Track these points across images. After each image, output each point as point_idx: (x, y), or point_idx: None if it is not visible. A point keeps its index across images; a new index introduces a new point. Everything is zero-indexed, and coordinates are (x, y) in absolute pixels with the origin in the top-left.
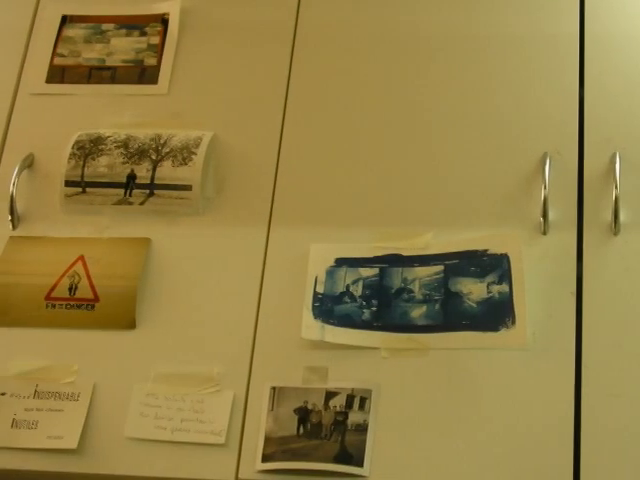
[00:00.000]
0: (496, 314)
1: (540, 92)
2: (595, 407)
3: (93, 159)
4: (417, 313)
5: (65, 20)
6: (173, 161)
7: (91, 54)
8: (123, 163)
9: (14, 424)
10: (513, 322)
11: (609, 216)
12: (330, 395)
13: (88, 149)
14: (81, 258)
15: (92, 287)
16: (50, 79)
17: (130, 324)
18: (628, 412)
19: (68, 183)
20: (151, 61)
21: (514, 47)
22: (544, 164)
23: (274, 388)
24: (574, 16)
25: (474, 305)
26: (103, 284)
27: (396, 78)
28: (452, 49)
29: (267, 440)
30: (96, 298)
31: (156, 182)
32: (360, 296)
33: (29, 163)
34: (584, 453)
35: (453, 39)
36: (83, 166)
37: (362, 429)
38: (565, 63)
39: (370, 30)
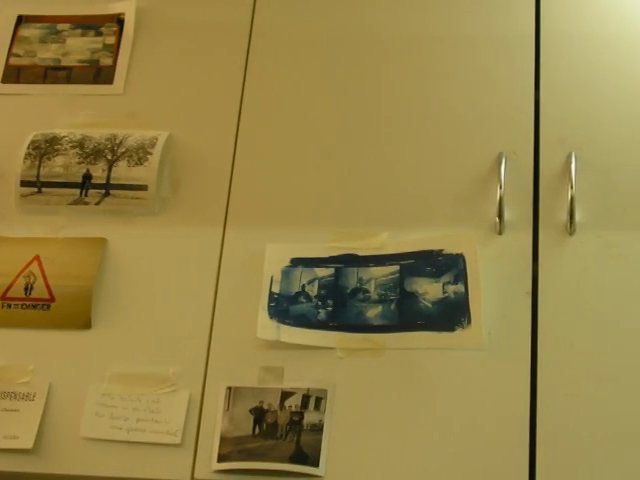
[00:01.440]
0: (452, 314)
1: (495, 92)
2: (550, 407)
3: (49, 159)
4: (373, 313)
5: (21, 20)
6: (129, 161)
7: (47, 54)
8: (79, 163)
9: None
10: (469, 322)
11: (565, 216)
12: (286, 395)
13: (44, 149)
14: (37, 258)
15: (48, 287)
16: (5, 79)
17: (86, 324)
18: (583, 411)
19: (24, 183)
20: (107, 61)
21: (469, 47)
22: (500, 164)
23: (230, 388)
24: (529, 16)
25: (430, 305)
26: (59, 284)
27: (352, 78)
28: (407, 50)
29: (223, 440)
30: (52, 298)
31: (112, 182)
32: (316, 296)
33: None
34: (539, 452)
35: (408, 40)
36: (39, 166)
37: (318, 429)
38: (520, 63)
39: (325, 31)
